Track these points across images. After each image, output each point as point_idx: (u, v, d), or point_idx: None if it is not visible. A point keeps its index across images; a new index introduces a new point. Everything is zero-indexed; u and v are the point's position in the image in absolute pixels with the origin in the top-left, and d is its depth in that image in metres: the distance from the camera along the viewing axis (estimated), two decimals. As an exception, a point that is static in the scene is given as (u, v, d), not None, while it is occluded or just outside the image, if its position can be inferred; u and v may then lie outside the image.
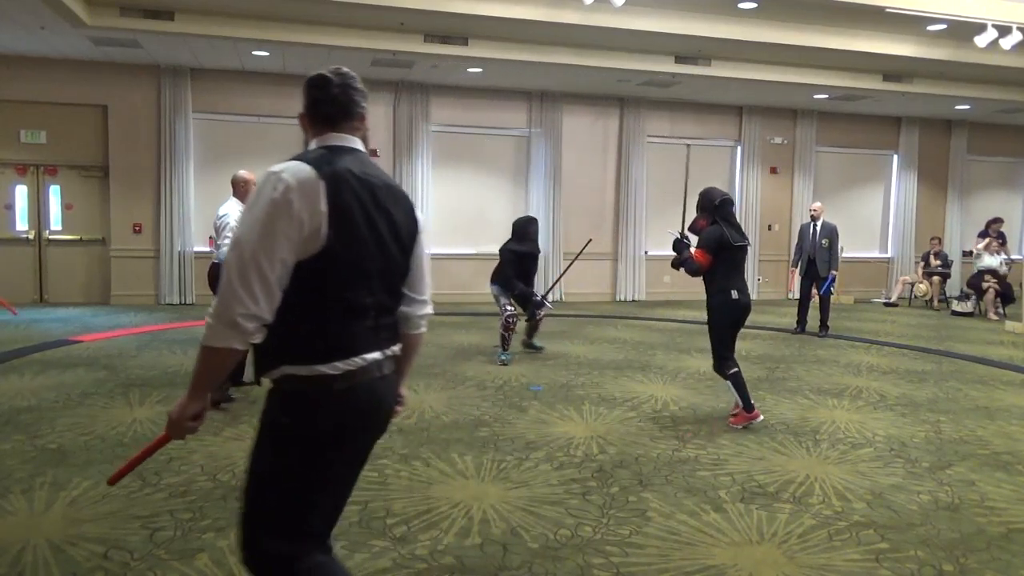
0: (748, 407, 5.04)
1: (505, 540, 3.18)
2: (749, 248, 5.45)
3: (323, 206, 1.74)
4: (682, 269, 5.22)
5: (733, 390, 5.06)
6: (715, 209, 5.11)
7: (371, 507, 3.48)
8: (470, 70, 10.68)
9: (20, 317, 9.18)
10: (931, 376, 6.89)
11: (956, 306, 11.86)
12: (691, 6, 8.93)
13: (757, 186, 13.40)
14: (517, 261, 7.19)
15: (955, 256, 13.91)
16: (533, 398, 5.68)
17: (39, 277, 10.76)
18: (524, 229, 7.29)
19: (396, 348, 1.97)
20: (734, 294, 5.05)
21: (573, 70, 10.40)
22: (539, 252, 7.57)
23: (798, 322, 9.55)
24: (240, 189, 5.38)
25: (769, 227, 13.58)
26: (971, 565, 3.04)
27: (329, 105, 1.91)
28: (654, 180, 12.84)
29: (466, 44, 9.62)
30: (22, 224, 10.72)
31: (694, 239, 5.22)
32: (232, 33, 8.95)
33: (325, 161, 1.80)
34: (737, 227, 5.15)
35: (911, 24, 9.39)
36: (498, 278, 7.27)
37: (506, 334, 7.08)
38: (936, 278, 12.82)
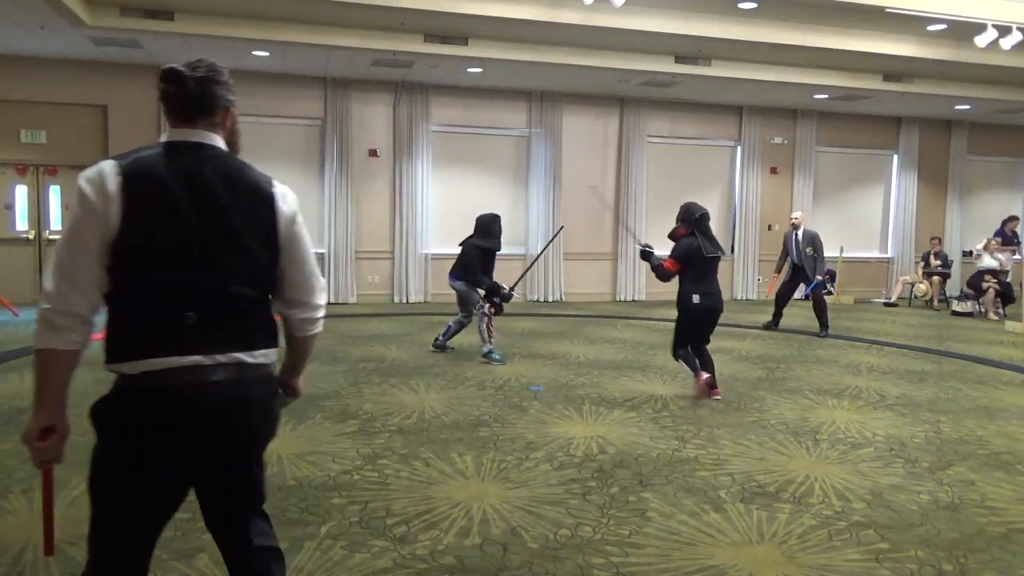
0: (695, 372, 5.86)
1: (505, 540, 3.18)
2: (723, 256, 6.02)
3: (116, 199, 1.67)
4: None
5: (684, 364, 5.93)
6: (694, 222, 5.76)
7: (371, 507, 3.48)
8: (470, 70, 10.68)
9: (21, 318, 9.19)
10: (931, 376, 6.89)
11: (956, 306, 11.87)
12: (691, 6, 8.93)
13: (757, 186, 13.40)
14: (482, 257, 7.08)
15: (955, 256, 13.92)
16: (533, 398, 5.68)
17: (39, 277, 10.76)
18: (490, 227, 7.15)
19: (246, 354, 1.78)
20: (695, 298, 5.72)
21: (573, 70, 10.40)
22: (499, 250, 7.35)
23: (774, 316, 9.93)
24: None
25: (769, 227, 13.58)
26: (971, 565, 3.04)
27: (179, 100, 1.80)
28: (654, 180, 12.85)
29: (466, 44, 9.62)
30: (22, 224, 10.72)
31: (664, 251, 5.90)
32: (232, 33, 8.96)
33: (137, 155, 1.75)
34: (712, 239, 5.81)
35: (911, 24, 9.39)
36: (463, 274, 7.13)
37: (489, 328, 7.03)
38: (936, 278, 12.82)
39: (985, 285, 11.61)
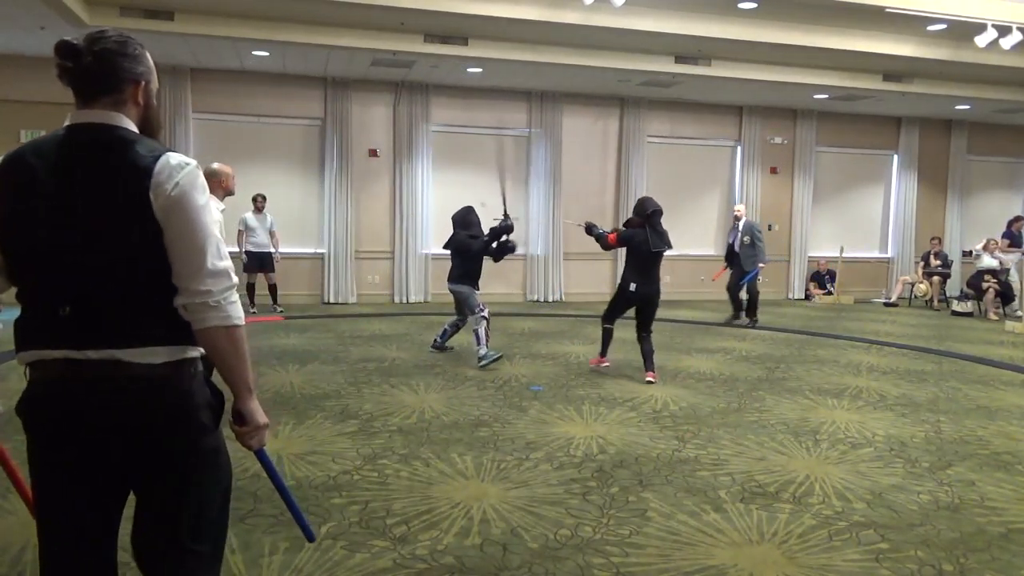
0: (603, 353, 6.83)
1: (505, 540, 3.18)
2: (668, 250, 6.53)
3: None
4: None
5: (601, 339, 6.82)
6: (647, 216, 6.29)
7: (371, 507, 3.48)
8: (470, 70, 10.68)
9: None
10: (931, 376, 6.89)
11: (956, 306, 11.87)
12: (691, 6, 8.93)
13: (757, 186, 13.41)
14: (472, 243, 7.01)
15: (955, 256, 13.92)
16: (533, 398, 5.69)
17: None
18: (467, 219, 7.14)
19: (122, 351, 1.61)
20: (632, 286, 6.39)
21: (573, 70, 10.40)
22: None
23: (734, 310, 10.23)
24: (211, 182, 5.29)
25: (769, 227, 13.58)
26: (971, 565, 3.04)
27: (76, 77, 1.64)
28: (654, 180, 12.85)
29: (466, 44, 9.62)
30: (22, 224, 10.70)
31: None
32: (232, 33, 8.96)
33: (31, 142, 1.68)
34: (661, 235, 6.32)
35: (911, 24, 9.39)
36: (464, 277, 6.99)
37: (487, 332, 6.89)
38: (936, 278, 12.82)
39: (985, 285, 11.61)
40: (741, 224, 10.07)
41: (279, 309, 10.38)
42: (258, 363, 6.73)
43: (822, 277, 13.57)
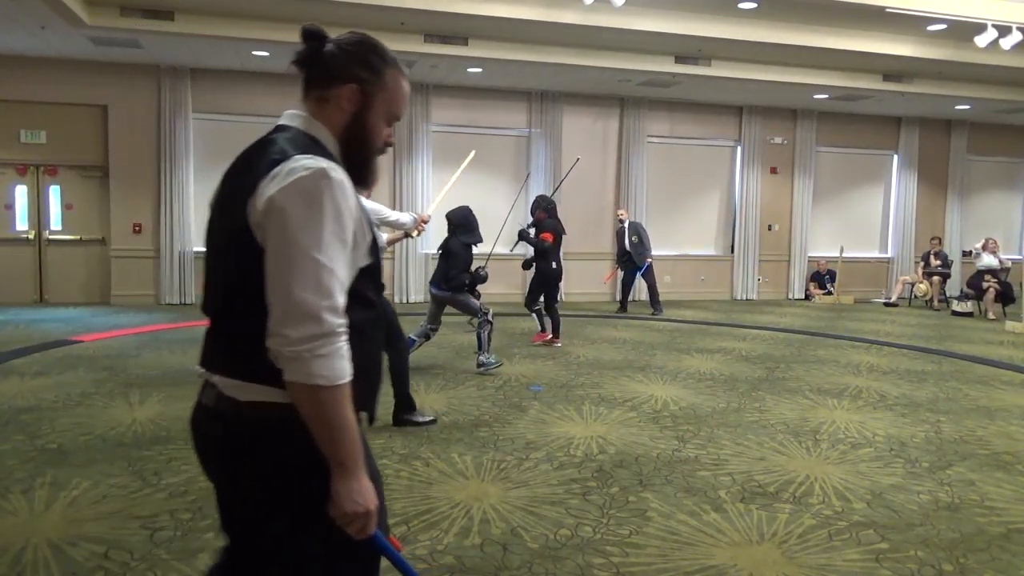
0: (542, 330, 8.22)
1: (505, 540, 3.18)
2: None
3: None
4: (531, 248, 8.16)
5: (536, 319, 8.29)
6: (551, 210, 8.20)
7: (371, 507, 3.48)
8: (470, 70, 10.68)
9: (20, 317, 9.19)
10: (931, 376, 6.89)
11: (956, 306, 11.86)
12: (691, 6, 8.93)
13: (757, 186, 13.40)
14: (468, 255, 6.59)
15: (955, 256, 13.92)
16: (533, 398, 5.68)
17: (39, 277, 10.76)
18: (468, 219, 6.63)
19: (222, 380, 1.44)
20: (554, 264, 8.04)
21: (573, 70, 10.40)
22: (481, 242, 6.88)
23: (621, 304, 11.35)
24: None
25: (769, 227, 13.59)
26: (971, 565, 3.04)
27: (298, 66, 1.58)
28: (654, 180, 12.85)
29: (466, 44, 9.62)
30: (22, 224, 10.72)
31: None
32: (232, 33, 8.96)
33: None
34: (559, 221, 8.26)
35: (911, 24, 9.39)
36: (454, 282, 6.46)
37: (490, 335, 6.60)
38: (936, 278, 12.82)
39: (985, 285, 11.61)
40: (627, 225, 11.06)
41: None
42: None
43: (822, 277, 13.57)
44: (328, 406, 1.31)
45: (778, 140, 13.55)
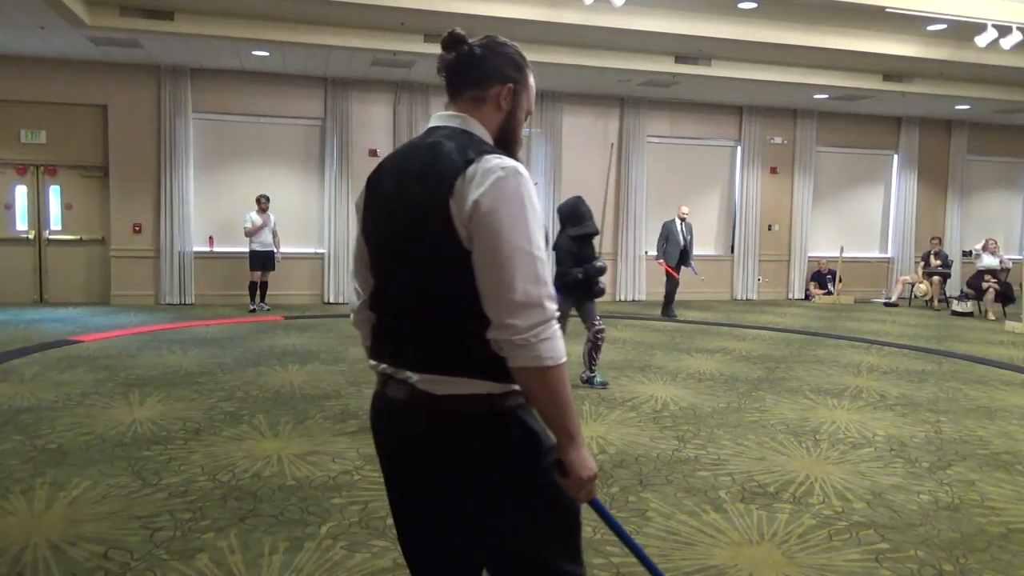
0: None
1: (505, 540, 3.17)
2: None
3: (361, 194, 1.69)
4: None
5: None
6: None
7: (371, 507, 3.48)
8: (470, 70, 10.66)
9: (20, 317, 9.19)
10: (931, 376, 6.89)
11: (956, 306, 11.86)
12: (691, 6, 8.93)
13: (757, 186, 13.40)
14: (578, 249, 5.91)
15: (955, 256, 13.92)
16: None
17: (39, 277, 10.76)
18: (577, 210, 5.99)
19: (417, 375, 1.52)
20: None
21: (573, 70, 10.40)
22: (598, 233, 6.16)
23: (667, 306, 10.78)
24: None
25: (769, 227, 13.59)
26: (971, 565, 3.04)
27: (449, 68, 1.64)
28: (654, 180, 12.85)
29: (466, 44, 9.61)
30: (22, 224, 10.72)
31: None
32: (232, 33, 8.96)
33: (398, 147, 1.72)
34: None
35: (911, 24, 9.39)
36: (562, 279, 5.78)
37: (597, 352, 6.00)
38: (936, 278, 12.82)
39: (985, 285, 11.61)
40: (686, 223, 10.87)
41: (266, 307, 10.54)
42: (258, 363, 6.74)
43: (823, 277, 13.57)
44: (556, 384, 1.43)
45: (778, 140, 13.55)
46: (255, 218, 10.43)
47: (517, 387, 1.48)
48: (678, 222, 10.78)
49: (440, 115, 1.62)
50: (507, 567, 1.57)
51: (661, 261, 10.78)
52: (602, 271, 5.89)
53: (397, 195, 1.55)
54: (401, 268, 1.54)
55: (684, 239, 10.70)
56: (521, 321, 1.39)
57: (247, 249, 10.48)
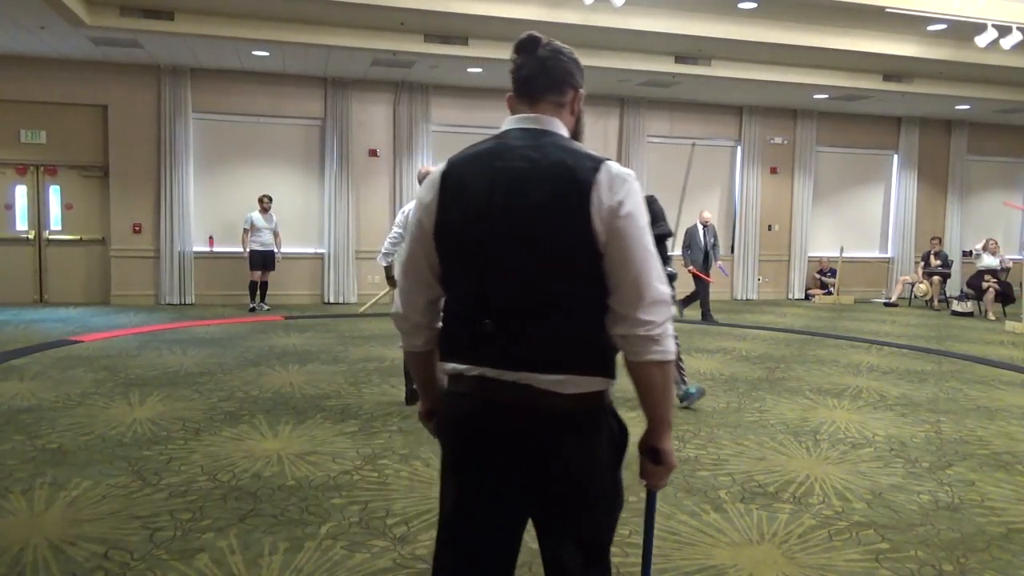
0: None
1: (505, 540, 3.17)
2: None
3: (434, 198, 1.61)
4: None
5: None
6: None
7: (371, 507, 3.48)
8: (470, 70, 10.67)
9: (20, 317, 9.19)
10: (931, 376, 6.89)
11: (956, 306, 11.87)
12: (691, 6, 8.93)
13: (757, 186, 13.40)
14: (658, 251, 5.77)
15: (955, 256, 13.93)
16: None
17: (39, 277, 10.76)
18: (651, 208, 5.78)
19: (537, 375, 1.53)
20: None
21: (573, 70, 10.39)
22: (672, 234, 5.83)
23: (705, 312, 10.55)
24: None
25: (769, 227, 13.59)
26: (971, 565, 3.04)
27: (527, 71, 1.64)
28: (654, 180, 12.84)
29: (466, 44, 9.62)
30: (22, 224, 10.73)
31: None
32: (232, 33, 8.96)
33: (469, 147, 1.66)
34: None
35: (911, 24, 9.39)
36: None
37: (680, 363, 5.52)
38: (936, 278, 12.83)
39: (985, 285, 11.61)
40: (709, 228, 10.74)
41: (265, 307, 10.55)
42: (258, 363, 6.74)
43: (824, 274, 13.59)
44: (669, 375, 1.56)
45: (778, 140, 13.55)
46: (256, 218, 10.45)
47: (614, 382, 1.59)
48: (700, 227, 10.60)
49: (524, 117, 1.63)
50: (572, 552, 1.64)
51: (691, 268, 10.54)
52: (672, 278, 5.33)
53: (506, 197, 1.53)
54: (515, 270, 1.53)
55: (706, 243, 10.55)
56: (657, 317, 1.50)
57: (244, 248, 10.52)
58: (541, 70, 1.63)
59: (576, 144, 1.61)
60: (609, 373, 1.58)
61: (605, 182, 1.50)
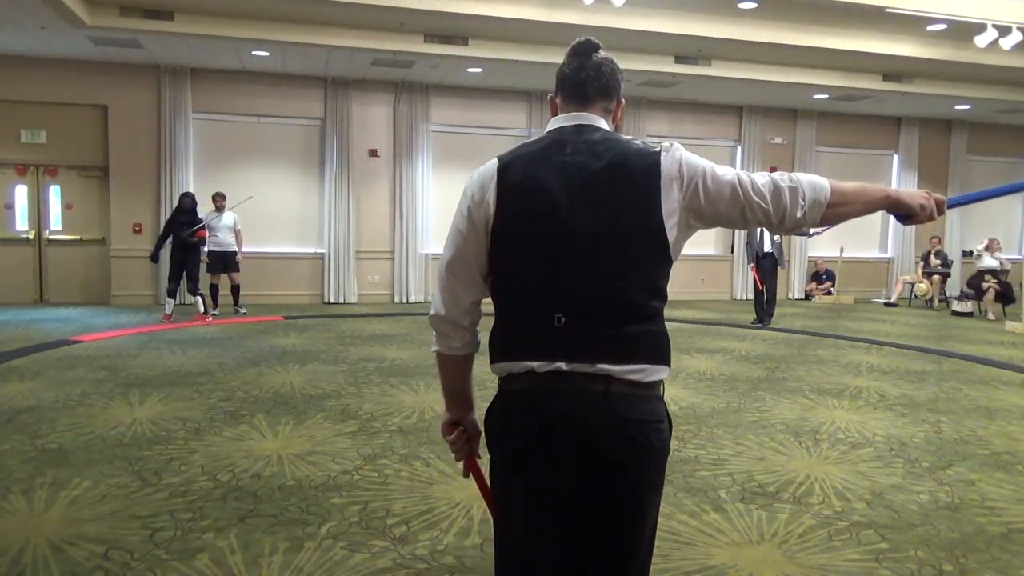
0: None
1: (505, 540, 3.17)
2: None
3: (490, 195, 1.58)
4: None
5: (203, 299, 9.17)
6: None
7: (371, 507, 3.48)
8: (470, 70, 10.68)
9: (20, 317, 9.19)
10: (931, 376, 6.89)
11: (956, 306, 11.86)
12: (691, 6, 8.94)
13: (757, 186, 13.39)
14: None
15: (955, 256, 13.93)
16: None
17: (39, 277, 10.77)
18: None
19: (614, 365, 1.53)
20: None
21: (573, 70, 10.39)
22: None
23: (760, 314, 10.34)
24: None
25: (769, 227, 13.57)
26: (971, 565, 3.04)
27: (582, 75, 1.66)
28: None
29: (466, 44, 9.63)
30: (22, 224, 10.73)
31: None
32: (232, 33, 8.97)
33: (521, 146, 1.66)
34: None
35: (911, 24, 9.40)
36: None
37: None
38: (936, 278, 12.83)
39: (985, 285, 11.61)
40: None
41: (242, 311, 10.07)
42: (258, 363, 6.74)
43: (820, 276, 13.59)
44: (837, 184, 1.64)
45: (778, 140, 13.56)
46: (210, 217, 9.71)
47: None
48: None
49: (576, 115, 1.65)
50: (628, 542, 1.64)
51: (752, 266, 10.30)
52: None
53: (576, 191, 1.55)
54: (589, 262, 1.54)
55: (763, 242, 10.10)
56: (773, 182, 1.59)
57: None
58: (597, 75, 1.65)
59: (629, 137, 1.65)
60: (669, 361, 1.62)
61: (671, 164, 1.57)
